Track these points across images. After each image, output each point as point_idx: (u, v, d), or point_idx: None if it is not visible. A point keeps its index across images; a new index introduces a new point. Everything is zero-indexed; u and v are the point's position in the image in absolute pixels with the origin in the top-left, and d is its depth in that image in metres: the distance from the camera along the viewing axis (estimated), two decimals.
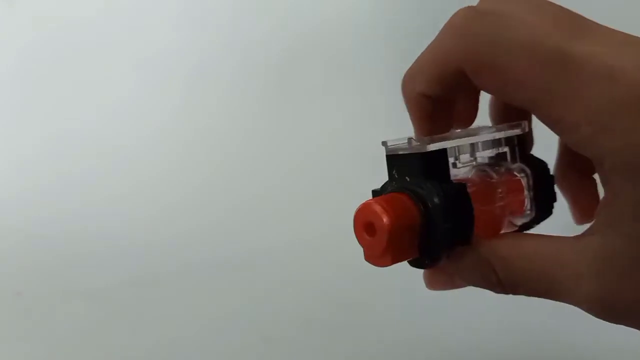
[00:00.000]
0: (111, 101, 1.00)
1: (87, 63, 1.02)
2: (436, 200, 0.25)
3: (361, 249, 0.26)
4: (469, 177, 0.29)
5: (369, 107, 0.91)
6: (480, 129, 0.29)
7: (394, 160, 0.27)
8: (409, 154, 0.26)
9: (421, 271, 0.29)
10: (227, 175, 0.89)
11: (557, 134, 0.25)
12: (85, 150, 0.97)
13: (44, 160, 0.96)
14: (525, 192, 0.29)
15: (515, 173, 0.29)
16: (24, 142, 1.00)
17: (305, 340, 0.47)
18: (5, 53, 1.06)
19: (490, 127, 0.29)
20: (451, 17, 0.26)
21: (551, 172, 0.30)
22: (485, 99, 0.30)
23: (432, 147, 0.26)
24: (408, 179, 0.26)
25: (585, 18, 0.25)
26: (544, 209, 0.29)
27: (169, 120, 0.96)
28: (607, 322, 0.25)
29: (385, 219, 0.24)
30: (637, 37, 0.24)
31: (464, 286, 0.29)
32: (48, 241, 0.76)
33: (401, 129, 0.30)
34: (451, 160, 0.27)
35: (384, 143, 0.27)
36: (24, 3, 1.06)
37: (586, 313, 0.24)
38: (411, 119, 0.29)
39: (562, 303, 0.25)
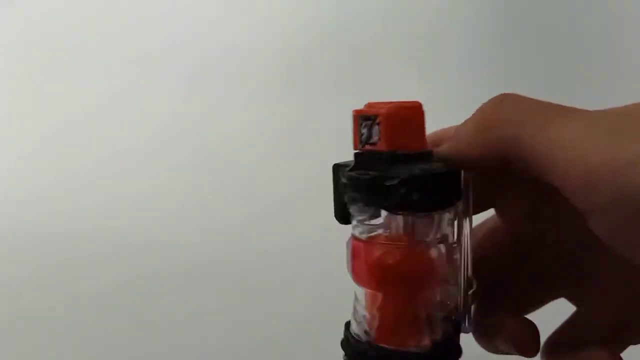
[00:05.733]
0: (122, 101, 0.99)
1: (92, 61, 1.02)
2: None
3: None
4: None
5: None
6: None
7: None
8: None
9: None
10: (223, 176, 0.89)
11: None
12: (87, 151, 0.97)
13: (44, 162, 0.95)
14: None
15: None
16: (25, 143, 1.00)
17: (305, 340, 0.47)
18: (3, 50, 1.05)
19: None
20: None
21: None
22: None
23: None
24: None
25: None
26: None
27: (184, 121, 0.96)
28: None
29: None
30: None
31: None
32: (48, 242, 0.76)
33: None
34: None
35: None
36: (23, 1, 1.05)
37: None
38: None
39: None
